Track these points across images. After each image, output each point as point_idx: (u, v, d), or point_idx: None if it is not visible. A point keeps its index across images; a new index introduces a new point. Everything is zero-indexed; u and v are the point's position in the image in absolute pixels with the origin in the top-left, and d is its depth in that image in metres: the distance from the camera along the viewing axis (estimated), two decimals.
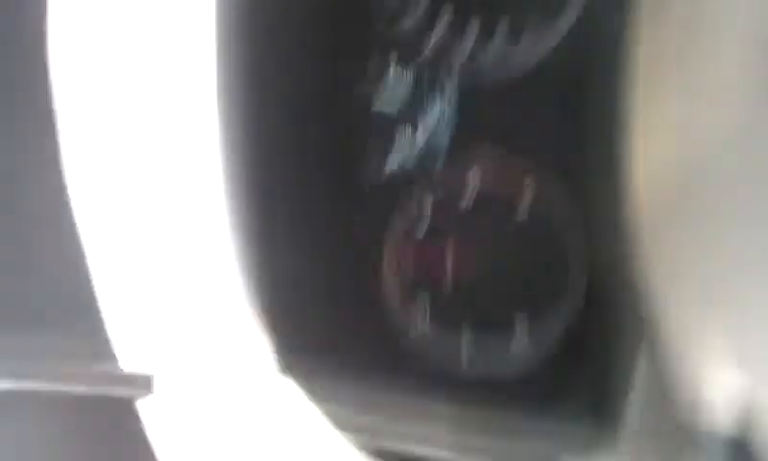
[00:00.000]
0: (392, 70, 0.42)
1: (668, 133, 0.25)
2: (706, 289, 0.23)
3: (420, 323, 0.41)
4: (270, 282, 0.31)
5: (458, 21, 0.41)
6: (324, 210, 0.41)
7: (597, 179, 0.36)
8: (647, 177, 0.27)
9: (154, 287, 0.28)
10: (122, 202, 0.28)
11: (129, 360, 0.28)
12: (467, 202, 0.41)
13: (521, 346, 0.40)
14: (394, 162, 0.42)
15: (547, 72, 0.40)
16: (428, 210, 0.41)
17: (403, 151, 0.42)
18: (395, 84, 0.42)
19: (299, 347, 0.31)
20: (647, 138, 0.27)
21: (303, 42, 0.40)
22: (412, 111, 0.42)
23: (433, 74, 0.41)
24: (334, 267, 0.41)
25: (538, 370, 0.40)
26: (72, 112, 0.27)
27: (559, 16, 0.40)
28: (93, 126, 0.28)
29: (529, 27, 0.40)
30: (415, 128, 0.42)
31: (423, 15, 0.41)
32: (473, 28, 0.40)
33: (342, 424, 0.32)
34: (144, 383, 0.28)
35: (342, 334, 0.39)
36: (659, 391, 0.28)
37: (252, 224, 0.31)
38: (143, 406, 0.29)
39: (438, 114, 0.42)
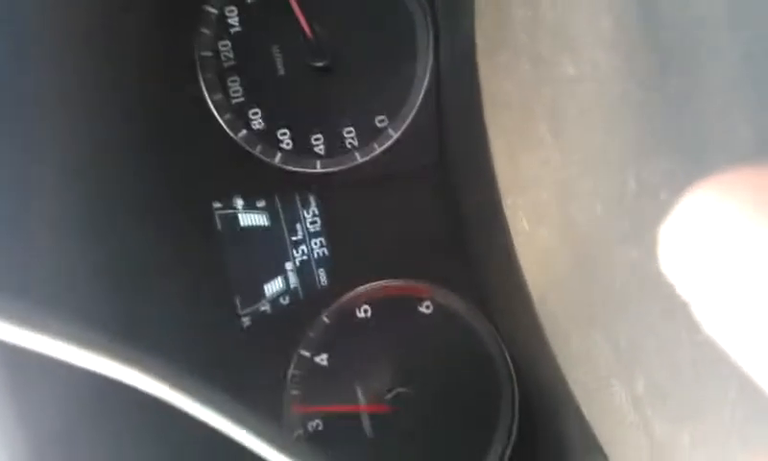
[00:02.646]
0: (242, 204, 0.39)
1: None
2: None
3: None
4: None
5: (303, 140, 0.39)
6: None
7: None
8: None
9: None
10: None
11: None
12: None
13: None
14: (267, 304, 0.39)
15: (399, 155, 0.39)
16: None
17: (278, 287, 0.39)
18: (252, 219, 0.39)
19: None
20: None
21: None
22: (277, 242, 0.39)
23: (289, 200, 0.39)
24: None
25: None
26: None
27: (401, 105, 0.39)
28: None
29: (375, 123, 0.39)
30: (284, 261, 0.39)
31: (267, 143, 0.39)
32: (321, 143, 0.39)
33: None
34: None
35: None
36: None
37: None
38: None
39: (305, 243, 0.39)
